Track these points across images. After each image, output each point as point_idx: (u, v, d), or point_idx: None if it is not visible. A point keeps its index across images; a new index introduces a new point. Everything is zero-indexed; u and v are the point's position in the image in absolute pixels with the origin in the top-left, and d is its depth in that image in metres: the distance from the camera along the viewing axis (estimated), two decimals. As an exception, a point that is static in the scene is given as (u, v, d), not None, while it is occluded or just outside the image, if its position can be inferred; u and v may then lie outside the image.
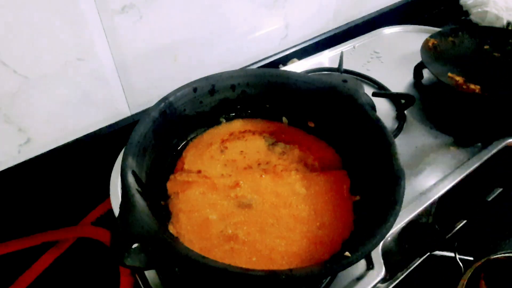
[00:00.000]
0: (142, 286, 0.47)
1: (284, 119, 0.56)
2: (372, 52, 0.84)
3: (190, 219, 0.42)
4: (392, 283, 0.53)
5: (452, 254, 0.56)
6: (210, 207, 0.44)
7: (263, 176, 0.47)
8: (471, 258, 0.57)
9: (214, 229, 0.41)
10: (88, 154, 0.63)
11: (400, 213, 0.37)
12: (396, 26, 0.93)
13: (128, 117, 0.66)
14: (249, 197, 0.45)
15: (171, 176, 0.47)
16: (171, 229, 0.42)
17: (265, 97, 0.55)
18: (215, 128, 0.54)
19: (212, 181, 0.46)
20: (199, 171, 0.48)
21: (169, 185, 0.46)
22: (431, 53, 0.74)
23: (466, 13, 1.07)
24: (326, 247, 0.40)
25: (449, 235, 0.61)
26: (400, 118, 0.66)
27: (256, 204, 0.44)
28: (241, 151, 0.51)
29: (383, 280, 0.46)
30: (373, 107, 0.62)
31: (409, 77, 0.77)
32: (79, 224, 0.61)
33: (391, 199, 0.37)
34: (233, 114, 0.56)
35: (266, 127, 0.55)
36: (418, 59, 0.74)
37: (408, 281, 0.55)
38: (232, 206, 0.44)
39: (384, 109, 0.69)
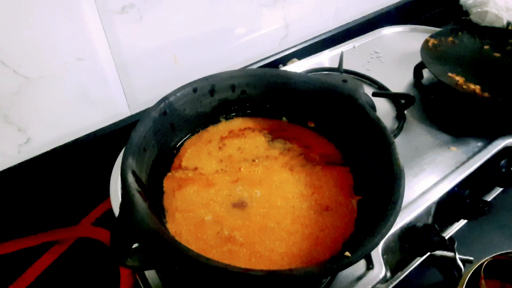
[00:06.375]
0: (142, 286, 0.47)
1: (284, 119, 0.56)
2: (372, 52, 0.84)
3: (186, 219, 0.42)
4: (392, 283, 0.53)
5: (452, 254, 0.56)
6: (206, 206, 0.43)
7: (263, 173, 0.47)
8: (471, 258, 0.57)
9: (210, 230, 0.41)
10: (88, 154, 0.63)
11: (400, 213, 0.37)
12: (396, 26, 0.93)
13: (128, 117, 0.66)
14: (247, 195, 0.45)
15: (168, 174, 0.47)
16: (168, 228, 0.41)
17: (265, 97, 0.55)
18: (214, 126, 0.54)
19: (208, 178, 0.46)
20: (195, 168, 0.48)
21: (165, 182, 0.46)
22: (431, 53, 0.74)
23: (466, 13, 1.07)
24: (327, 247, 0.40)
25: (449, 235, 0.61)
26: (400, 118, 0.66)
27: (255, 203, 0.44)
28: (239, 147, 0.51)
29: (383, 280, 0.46)
30: (373, 107, 0.63)
31: (409, 77, 0.77)
32: (79, 224, 0.61)
33: (391, 199, 0.37)
34: (233, 114, 0.56)
35: (266, 124, 0.55)
36: (418, 59, 0.74)
37: (408, 281, 0.55)
38: (229, 205, 0.44)
39: (384, 109, 0.69)
